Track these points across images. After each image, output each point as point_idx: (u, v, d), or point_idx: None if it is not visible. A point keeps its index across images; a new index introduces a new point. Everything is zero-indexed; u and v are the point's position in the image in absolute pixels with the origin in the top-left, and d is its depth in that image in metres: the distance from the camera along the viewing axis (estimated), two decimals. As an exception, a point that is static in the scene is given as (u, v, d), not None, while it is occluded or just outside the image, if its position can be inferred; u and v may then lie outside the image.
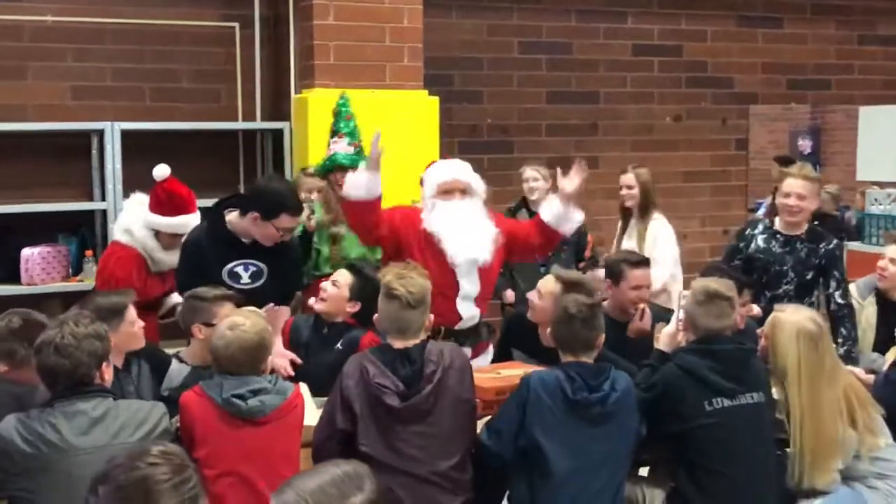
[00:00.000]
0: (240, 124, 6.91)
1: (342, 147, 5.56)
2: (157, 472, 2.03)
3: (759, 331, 4.09)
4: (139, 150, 6.22)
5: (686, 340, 3.99)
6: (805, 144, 8.55)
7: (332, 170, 5.55)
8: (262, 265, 4.63)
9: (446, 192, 4.68)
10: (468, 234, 4.59)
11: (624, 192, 5.95)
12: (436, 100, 6.54)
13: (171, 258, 4.97)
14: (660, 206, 6.01)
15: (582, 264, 6.09)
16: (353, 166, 5.44)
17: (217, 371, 3.46)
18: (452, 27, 7.39)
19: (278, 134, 6.75)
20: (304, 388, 3.83)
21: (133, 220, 5.00)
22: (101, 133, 6.33)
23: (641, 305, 4.65)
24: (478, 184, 4.77)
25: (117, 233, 5.06)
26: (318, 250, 5.53)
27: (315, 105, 6.21)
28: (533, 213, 6.18)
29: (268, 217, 4.49)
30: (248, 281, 4.60)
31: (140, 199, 5.10)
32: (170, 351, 4.29)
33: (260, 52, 6.92)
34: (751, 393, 3.76)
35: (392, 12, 6.47)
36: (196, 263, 4.62)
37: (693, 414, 3.70)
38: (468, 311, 4.66)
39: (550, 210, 4.76)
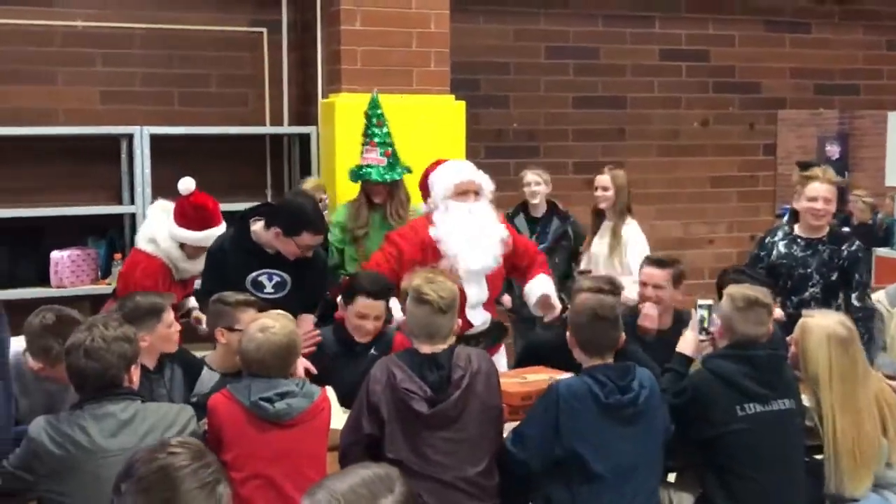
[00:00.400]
0: (267, 129, 6.94)
1: (374, 157, 5.45)
2: (176, 460, 2.04)
3: (788, 338, 4.06)
4: (168, 154, 6.26)
5: (713, 346, 3.97)
6: (833, 150, 8.46)
7: (365, 181, 5.52)
8: (286, 276, 4.62)
9: (462, 192, 4.68)
10: (477, 241, 4.61)
11: (598, 193, 5.76)
12: (462, 104, 6.52)
13: (195, 266, 4.98)
14: (635, 212, 5.87)
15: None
16: (384, 182, 5.42)
17: (246, 373, 3.47)
18: (479, 32, 7.39)
19: (305, 138, 6.77)
20: (330, 391, 3.83)
21: (157, 229, 4.97)
22: (130, 137, 6.37)
23: (645, 303, 4.63)
24: (487, 184, 4.78)
25: (141, 242, 5.02)
26: (342, 250, 5.48)
27: (342, 109, 6.22)
28: (531, 219, 6.18)
29: (289, 234, 4.49)
30: (272, 291, 4.59)
31: (163, 206, 5.08)
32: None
33: (287, 57, 6.95)
34: (783, 399, 3.75)
35: (419, 17, 6.46)
36: (220, 271, 4.62)
37: (724, 419, 3.68)
38: (478, 319, 4.67)
39: (533, 292, 4.84)
